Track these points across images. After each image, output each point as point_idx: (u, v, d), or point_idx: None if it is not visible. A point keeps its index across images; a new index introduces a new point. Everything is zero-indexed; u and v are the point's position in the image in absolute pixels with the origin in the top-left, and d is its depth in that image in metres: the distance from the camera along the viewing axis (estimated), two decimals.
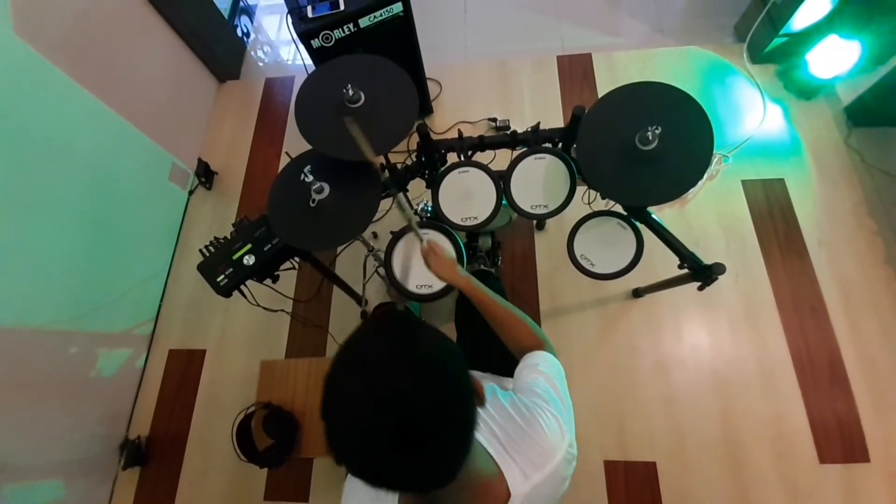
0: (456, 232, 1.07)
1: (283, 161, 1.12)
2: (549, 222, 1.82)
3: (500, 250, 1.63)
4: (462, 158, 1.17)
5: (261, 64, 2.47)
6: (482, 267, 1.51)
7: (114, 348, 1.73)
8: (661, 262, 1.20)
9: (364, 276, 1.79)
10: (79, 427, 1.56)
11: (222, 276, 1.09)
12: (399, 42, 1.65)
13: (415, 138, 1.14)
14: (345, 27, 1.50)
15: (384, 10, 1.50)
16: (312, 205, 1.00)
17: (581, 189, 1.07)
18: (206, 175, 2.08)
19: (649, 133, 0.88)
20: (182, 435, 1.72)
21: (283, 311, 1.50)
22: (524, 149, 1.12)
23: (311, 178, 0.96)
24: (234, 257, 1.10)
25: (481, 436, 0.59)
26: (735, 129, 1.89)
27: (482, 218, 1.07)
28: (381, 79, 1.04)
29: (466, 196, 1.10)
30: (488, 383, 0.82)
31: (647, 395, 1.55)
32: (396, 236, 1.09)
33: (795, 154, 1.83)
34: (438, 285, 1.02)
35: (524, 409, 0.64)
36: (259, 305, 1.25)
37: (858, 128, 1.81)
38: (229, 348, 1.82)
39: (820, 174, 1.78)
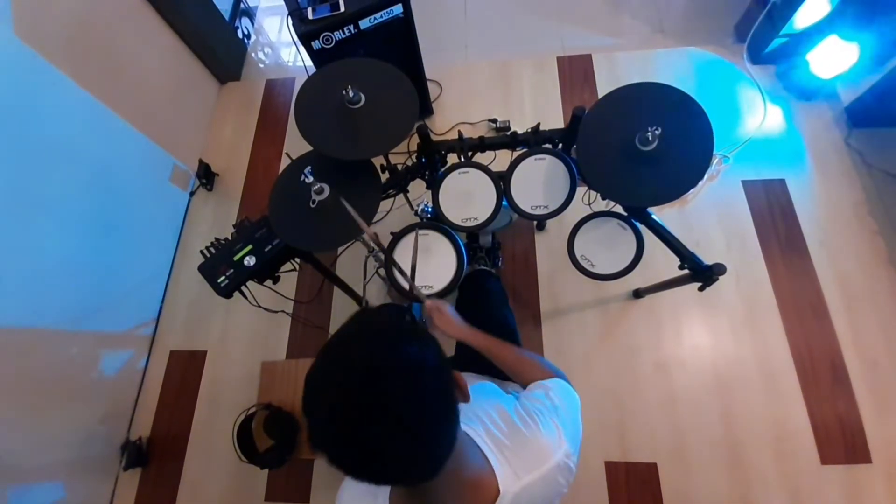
0: (456, 233, 1.07)
1: (284, 162, 1.13)
2: (550, 223, 1.82)
3: (500, 251, 1.63)
4: (462, 159, 1.17)
5: (261, 65, 2.48)
6: (481, 266, 1.51)
7: (115, 349, 1.73)
8: (662, 263, 1.20)
9: (364, 277, 1.79)
10: (80, 428, 1.57)
11: (223, 277, 1.09)
12: (399, 43, 1.66)
13: (415, 139, 1.14)
14: (345, 29, 1.50)
15: (384, 11, 1.51)
16: (313, 206, 1.00)
17: (581, 190, 1.07)
18: (206, 176, 2.08)
19: (649, 133, 0.88)
20: (183, 436, 1.72)
21: (283, 311, 1.51)
22: (524, 149, 1.12)
23: (311, 179, 0.96)
24: (235, 258, 1.10)
25: (476, 433, 0.59)
26: (735, 130, 1.89)
27: (482, 219, 1.07)
28: (381, 80, 1.04)
29: (467, 197, 1.10)
30: (488, 382, 0.83)
31: (648, 396, 1.55)
32: (397, 237, 1.09)
33: (796, 154, 1.83)
34: (439, 286, 1.02)
35: (523, 412, 0.64)
36: (260, 306, 1.25)
37: (859, 128, 1.81)
38: (230, 349, 1.83)
39: (820, 174, 1.78)
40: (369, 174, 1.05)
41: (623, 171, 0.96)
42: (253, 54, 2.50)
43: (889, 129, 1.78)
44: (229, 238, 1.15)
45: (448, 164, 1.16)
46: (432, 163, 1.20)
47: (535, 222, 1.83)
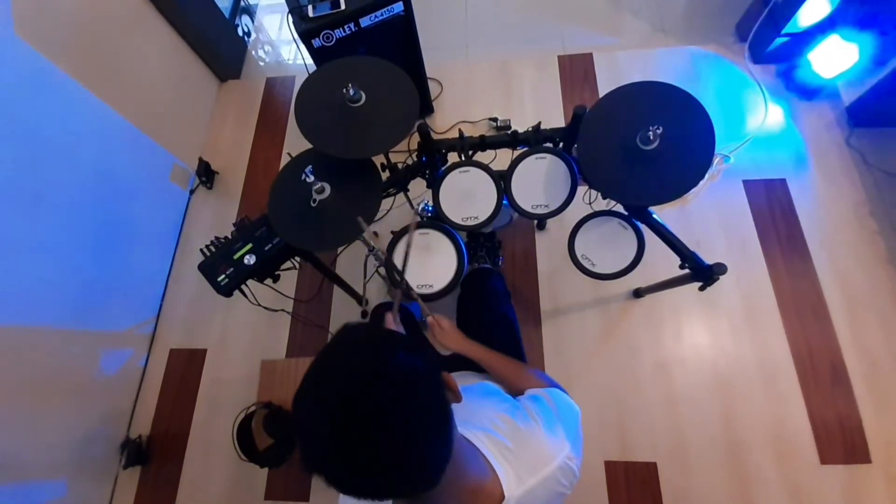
0: (457, 232, 1.07)
1: (284, 161, 1.12)
2: (550, 222, 1.81)
3: (500, 250, 1.63)
4: (463, 158, 1.17)
5: (262, 63, 2.47)
6: (483, 265, 1.51)
7: (115, 347, 1.73)
8: (662, 262, 1.19)
9: (365, 276, 1.79)
10: (80, 426, 1.57)
11: (223, 276, 1.09)
12: (400, 41, 1.65)
13: (416, 138, 1.14)
14: (346, 26, 1.50)
15: (385, 9, 1.50)
16: (313, 205, 1.00)
17: (582, 189, 1.07)
18: (206, 174, 2.08)
19: (650, 133, 0.88)
20: (183, 434, 1.72)
21: (283, 310, 1.51)
22: (525, 148, 1.12)
23: (311, 178, 0.96)
24: (235, 257, 1.10)
25: (476, 438, 0.58)
26: (736, 129, 1.88)
27: (483, 218, 1.07)
28: (381, 78, 1.04)
29: (467, 196, 1.09)
30: (487, 383, 0.83)
31: (648, 396, 1.55)
32: (397, 236, 1.09)
33: (797, 154, 1.82)
34: (439, 285, 1.02)
35: (525, 413, 0.64)
36: (260, 305, 1.25)
37: (860, 128, 1.81)
38: (230, 348, 1.83)
39: (821, 174, 1.78)
40: (370, 173, 1.05)
41: (624, 170, 0.96)
42: (253, 52, 2.49)
43: (890, 128, 1.77)
44: (229, 237, 1.15)
45: (449, 163, 1.16)
46: (433, 161, 1.20)
47: (535, 221, 1.83)
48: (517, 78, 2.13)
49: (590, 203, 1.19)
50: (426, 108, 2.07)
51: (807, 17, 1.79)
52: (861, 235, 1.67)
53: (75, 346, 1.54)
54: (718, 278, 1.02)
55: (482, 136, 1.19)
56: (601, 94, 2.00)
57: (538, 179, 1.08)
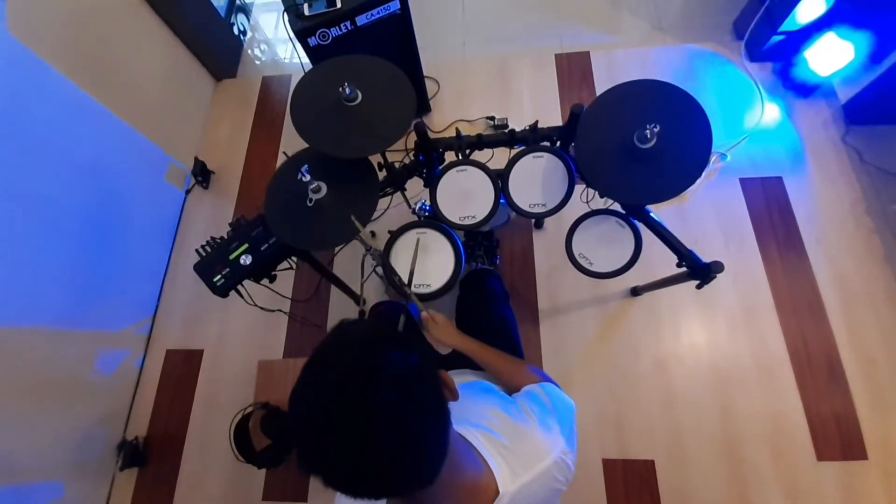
0: (455, 231, 1.06)
1: (281, 160, 1.12)
2: (548, 221, 1.81)
3: (498, 249, 1.63)
4: (460, 157, 1.16)
5: (258, 62, 2.46)
6: (481, 265, 1.51)
7: (111, 348, 1.72)
8: (660, 261, 1.19)
9: (362, 276, 1.78)
10: (76, 427, 1.56)
11: (219, 277, 1.08)
12: (397, 40, 1.65)
13: (413, 137, 1.13)
14: (342, 25, 1.49)
15: (381, 7, 1.49)
16: (310, 204, 0.99)
17: (579, 187, 1.07)
18: (202, 174, 2.07)
19: (648, 131, 0.88)
20: (180, 435, 1.71)
21: (280, 310, 1.50)
22: (522, 147, 1.11)
23: (308, 177, 0.95)
24: (231, 257, 1.09)
25: (471, 434, 0.58)
26: (733, 127, 1.89)
27: (480, 217, 1.06)
28: (378, 77, 1.03)
29: (464, 195, 1.09)
30: (483, 381, 0.83)
31: (646, 394, 1.55)
32: (395, 235, 1.09)
33: (793, 152, 1.83)
34: (437, 284, 1.01)
35: (519, 409, 0.64)
36: (256, 305, 1.25)
37: (856, 125, 1.81)
38: (227, 348, 1.82)
39: (818, 172, 1.78)
40: (367, 172, 1.04)
41: (621, 168, 0.96)
42: (249, 51, 2.48)
43: (886, 126, 1.78)
44: (225, 237, 1.14)
45: (446, 162, 1.15)
46: (430, 161, 1.19)
47: (533, 220, 1.83)
48: (514, 76, 2.13)
49: (587, 202, 1.19)
50: (423, 106, 2.07)
51: (803, 15, 1.79)
52: (857, 233, 1.68)
53: (71, 347, 1.53)
54: (716, 276, 1.02)
55: (479, 135, 1.18)
56: (598, 92, 1.99)
57: (535, 178, 1.08)
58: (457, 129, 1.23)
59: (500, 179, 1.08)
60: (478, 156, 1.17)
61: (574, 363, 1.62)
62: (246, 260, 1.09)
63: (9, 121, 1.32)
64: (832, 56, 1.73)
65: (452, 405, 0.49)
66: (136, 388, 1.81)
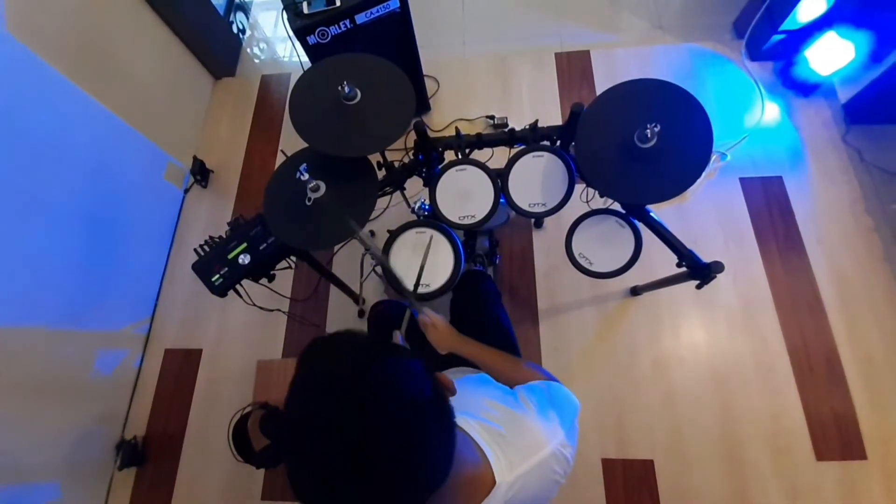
0: (454, 231, 1.06)
1: (280, 159, 1.11)
2: (548, 221, 1.81)
3: (498, 249, 1.63)
4: (460, 156, 1.16)
5: (257, 61, 2.45)
6: (477, 266, 1.51)
7: (109, 348, 1.71)
8: (660, 261, 1.19)
9: (361, 275, 1.78)
10: (75, 427, 1.55)
11: (217, 276, 1.07)
12: (396, 39, 1.64)
13: (412, 136, 1.13)
14: (341, 23, 1.48)
15: (381, 6, 1.49)
16: (308, 203, 0.99)
17: (579, 187, 1.06)
18: (201, 173, 2.06)
19: (648, 131, 0.88)
20: (179, 435, 1.71)
21: (279, 310, 1.50)
22: (522, 147, 1.11)
23: (306, 176, 0.95)
24: (230, 256, 1.09)
25: (468, 425, 0.58)
26: (733, 126, 1.88)
27: (480, 216, 1.06)
28: (377, 76, 1.02)
29: (464, 194, 1.09)
30: (481, 374, 0.82)
31: (646, 394, 1.55)
32: (394, 235, 1.08)
33: (793, 151, 1.83)
34: (436, 284, 1.01)
35: (518, 399, 0.63)
36: (255, 305, 1.24)
37: (856, 125, 1.81)
38: (226, 348, 1.81)
39: (818, 171, 1.78)
40: (366, 171, 1.04)
41: (621, 168, 0.95)
42: (248, 49, 2.47)
43: (886, 125, 1.78)
44: (224, 236, 1.13)
45: (445, 162, 1.15)
46: (429, 160, 1.19)
47: (532, 220, 1.82)
48: (514, 75, 2.12)
49: (587, 201, 1.19)
50: (423, 105, 2.06)
51: (804, 14, 1.79)
52: (857, 232, 1.68)
53: (69, 347, 1.53)
54: (716, 276, 1.02)
55: (479, 134, 1.18)
56: (598, 91, 1.99)
57: (535, 178, 1.07)
58: (456, 128, 1.22)
59: (499, 179, 1.08)
60: (477, 155, 1.16)
61: (574, 363, 1.62)
62: (244, 259, 1.09)
63: (7, 120, 1.31)
64: (833, 55, 1.72)
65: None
66: (135, 388, 1.80)
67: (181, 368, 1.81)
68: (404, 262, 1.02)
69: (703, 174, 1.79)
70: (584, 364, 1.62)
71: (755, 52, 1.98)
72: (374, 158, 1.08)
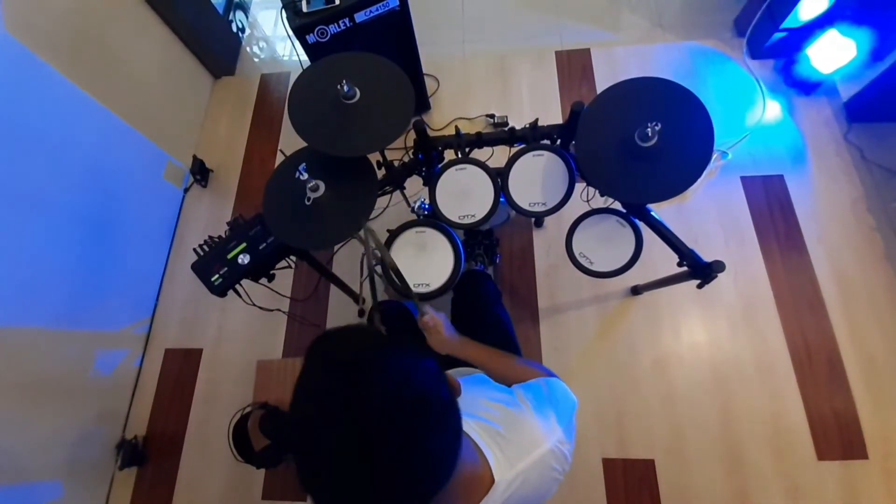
0: (454, 230, 1.06)
1: (279, 159, 1.11)
2: (548, 220, 1.81)
3: (498, 248, 1.62)
4: (460, 155, 1.16)
5: (256, 60, 2.45)
6: (482, 265, 1.50)
7: (109, 348, 1.71)
8: (661, 260, 1.19)
9: (361, 275, 1.77)
10: (75, 427, 1.55)
11: (217, 276, 1.07)
12: (396, 37, 1.64)
13: (412, 135, 1.12)
14: (340, 22, 1.48)
15: (380, 4, 1.48)
16: (308, 203, 0.98)
17: (580, 186, 1.06)
18: (201, 172, 2.06)
19: (649, 129, 0.87)
20: (179, 435, 1.71)
21: (279, 310, 1.50)
22: (522, 146, 1.11)
23: (305, 175, 0.94)
24: (229, 256, 1.09)
25: (467, 425, 0.57)
26: (734, 125, 1.88)
27: (480, 216, 1.06)
28: (377, 75, 1.02)
29: (464, 194, 1.08)
30: (480, 374, 0.82)
31: (646, 393, 1.55)
32: (394, 234, 1.08)
33: (795, 150, 1.82)
34: (436, 284, 1.01)
35: (516, 398, 0.63)
36: (255, 305, 1.24)
37: (858, 123, 1.80)
38: (226, 347, 1.81)
39: (819, 170, 1.78)
40: (365, 171, 1.04)
41: (622, 167, 0.95)
42: (247, 48, 2.47)
43: (888, 124, 1.77)
44: (223, 236, 1.13)
45: (445, 161, 1.14)
46: (429, 159, 1.18)
47: (533, 219, 1.82)
48: (514, 74, 2.12)
49: (587, 200, 1.18)
50: (422, 104, 2.06)
51: (805, 12, 1.78)
52: (859, 231, 1.67)
53: (69, 347, 1.53)
54: (717, 276, 1.02)
55: (479, 133, 1.18)
56: (599, 90, 1.98)
57: (535, 177, 1.07)
58: (456, 127, 1.22)
59: (499, 178, 1.07)
60: (477, 154, 1.16)
61: (574, 362, 1.62)
62: (244, 259, 1.08)
63: (6, 119, 1.31)
64: (834, 53, 1.72)
65: None
66: (136, 388, 1.80)
67: (181, 368, 1.80)
68: (404, 263, 1.02)
69: (704, 173, 1.79)
70: (585, 363, 1.61)
71: (756, 50, 1.98)
72: (374, 157, 1.08)
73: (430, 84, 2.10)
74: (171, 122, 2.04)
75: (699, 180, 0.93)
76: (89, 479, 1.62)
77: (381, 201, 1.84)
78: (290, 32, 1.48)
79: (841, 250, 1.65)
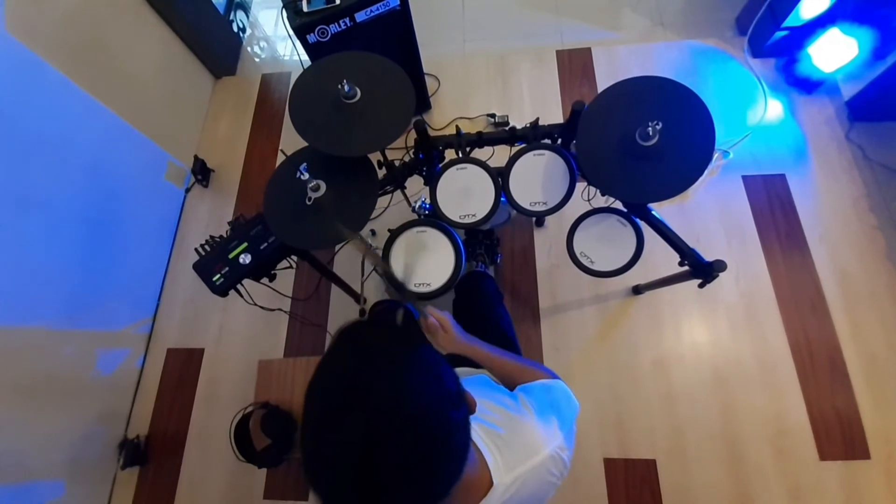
0: (455, 230, 1.06)
1: (280, 159, 1.11)
2: (549, 219, 1.80)
3: (499, 247, 1.62)
4: (460, 155, 1.16)
5: (257, 59, 2.45)
6: (482, 265, 1.50)
7: (111, 348, 1.72)
8: (662, 259, 1.18)
9: (362, 275, 1.78)
10: (77, 427, 1.56)
11: (218, 276, 1.07)
12: (396, 37, 1.63)
13: (412, 135, 1.12)
14: (341, 22, 1.48)
15: (381, 4, 1.48)
16: (309, 203, 0.98)
17: (580, 185, 1.06)
18: (202, 172, 2.06)
19: (650, 128, 0.87)
20: (181, 434, 1.71)
21: (280, 310, 1.50)
22: (523, 145, 1.10)
23: (306, 175, 0.94)
24: (231, 256, 1.09)
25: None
26: (736, 124, 1.87)
27: (481, 215, 1.06)
28: (377, 74, 1.02)
29: (465, 193, 1.08)
30: (482, 375, 0.82)
31: (647, 393, 1.55)
32: (394, 234, 1.08)
33: (796, 149, 1.81)
34: (437, 283, 1.01)
35: (518, 402, 0.63)
36: (256, 304, 1.24)
37: (860, 122, 1.80)
38: (228, 347, 1.82)
39: (821, 169, 1.77)
40: (366, 170, 1.04)
41: (623, 166, 0.95)
42: (248, 48, 2.47)
43: (890, 123, 1.77)
44: (224, 235, 1.13)
45: (446, 160, 1.14)
46: (430, 159, 1.18)
47: (533, 219, 1.82)
48: (515, 73, 2.11)
49: (588, 200, 1.18)
50: (423, 104, 2.06)
51: (807, 10, 1.77)
52: (861, 230, 1.67)
53: (71, 347, 1.53)
54: (718, 275, 1.02)
55: (480, 133, 1.17)
56: (600, 89, 1.99)
57: (536, 176, 1.07)
58: (457, 126, 1.22)
59: (500, 177, 1.07)
60: (478, 153, 1.16)
61: (575, 362, 1.62)
62: (245, 259, 1.08)
63: (7, 119, 1.31)
64: (836, 52, 1.71)
65: None
66: (137, 388, 1.81)
67: (183, 368, 1.81)
68: (404, 262, 1.02)
69: (705, 172, 1.78)
70: (586, 363, 1.61)
71: (758, 49, 1.97)
72: (375, 157, 1.08)
73: (430, 83, 2.10)
74: (172, 122, 2.04)
75: (700, 179, 0.93)
76: (91, 478, 1.62)
77: (382, 201, 1.85)
78: (291, 32, 1.48)
79: (843, 249, 1.65)
